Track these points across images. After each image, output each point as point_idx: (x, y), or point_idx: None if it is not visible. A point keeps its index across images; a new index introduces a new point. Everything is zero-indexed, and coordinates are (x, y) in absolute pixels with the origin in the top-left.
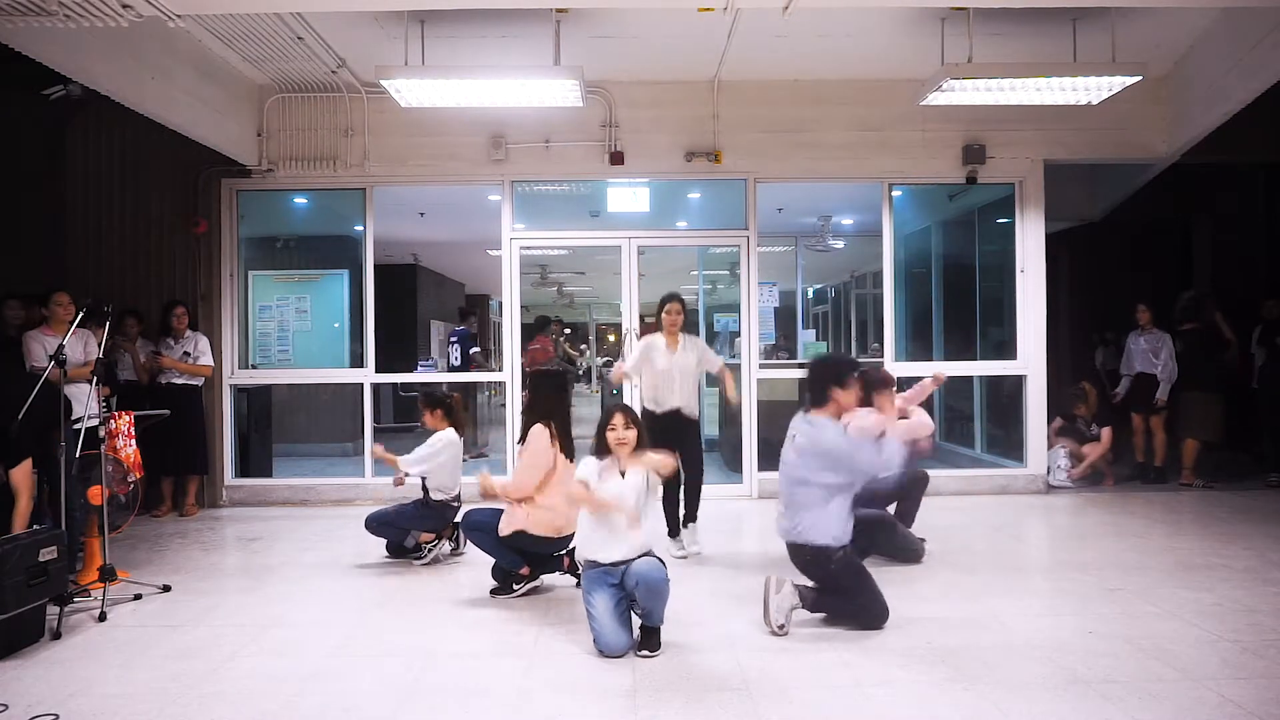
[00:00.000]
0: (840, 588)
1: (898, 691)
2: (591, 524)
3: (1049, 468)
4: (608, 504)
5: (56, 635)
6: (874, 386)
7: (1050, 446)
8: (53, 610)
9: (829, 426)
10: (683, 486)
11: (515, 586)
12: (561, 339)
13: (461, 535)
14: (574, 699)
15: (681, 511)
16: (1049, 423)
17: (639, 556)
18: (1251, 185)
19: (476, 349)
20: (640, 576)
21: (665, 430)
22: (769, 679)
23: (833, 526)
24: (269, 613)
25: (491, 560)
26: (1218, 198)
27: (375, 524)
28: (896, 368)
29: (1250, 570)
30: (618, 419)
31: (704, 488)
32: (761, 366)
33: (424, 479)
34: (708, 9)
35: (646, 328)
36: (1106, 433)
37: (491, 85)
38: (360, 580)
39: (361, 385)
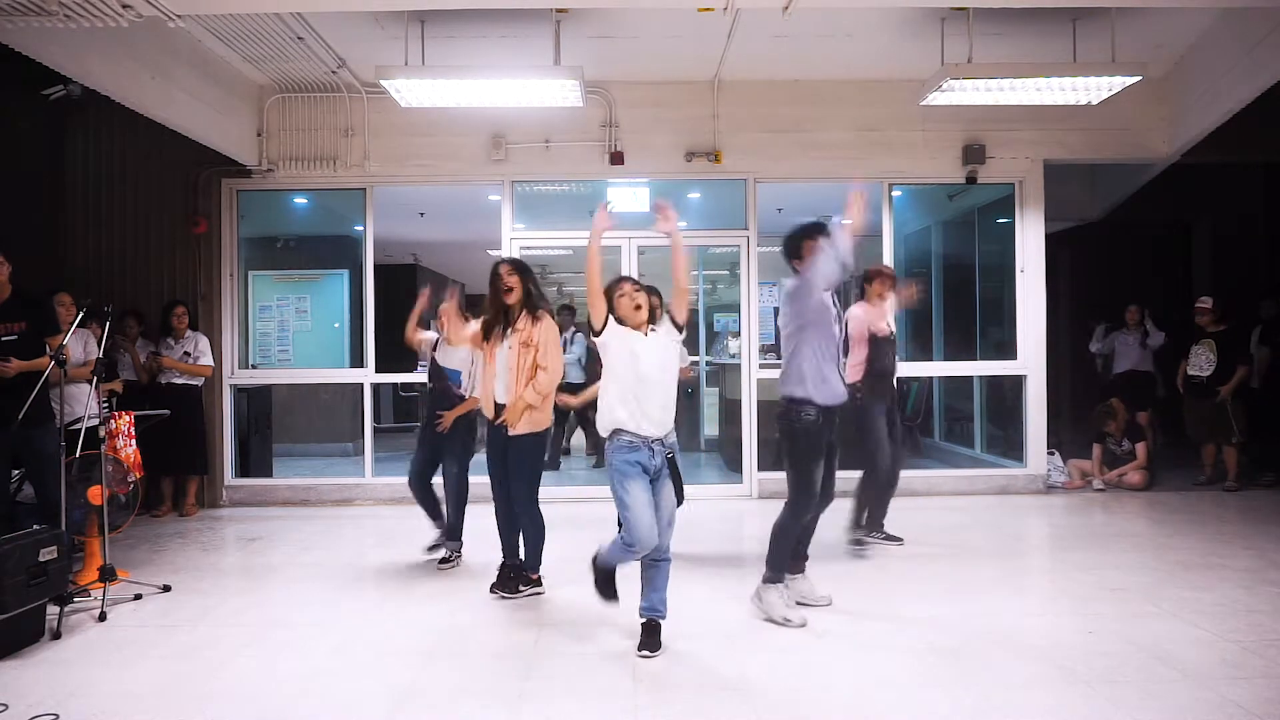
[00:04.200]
0: (787, 455)
1: (898, 691)
2: (618, 397)
3: (1048, 469)
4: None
5: (56, 635)
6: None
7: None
8: (53, 610)
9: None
10: None
11: (521, 589)
12: None
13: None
14: (574, 699)
15: None
16: (1049, 438)
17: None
18: (1251, 185)
19: None
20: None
21: None
22: (769, 679)
23: (797, 377)
24: (269, 613)
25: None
26: (1218, 198)
27: (417, 481)
28: (896, 368)
29: (1250, 570)
30: (626, 285)
31: (704, 487)
32: (761, 366)
33: (428, 388)
34: (708, 9)
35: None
36: (1141, 447)
37: (491, 85)
38: (360, 580)
39: (361, 385)
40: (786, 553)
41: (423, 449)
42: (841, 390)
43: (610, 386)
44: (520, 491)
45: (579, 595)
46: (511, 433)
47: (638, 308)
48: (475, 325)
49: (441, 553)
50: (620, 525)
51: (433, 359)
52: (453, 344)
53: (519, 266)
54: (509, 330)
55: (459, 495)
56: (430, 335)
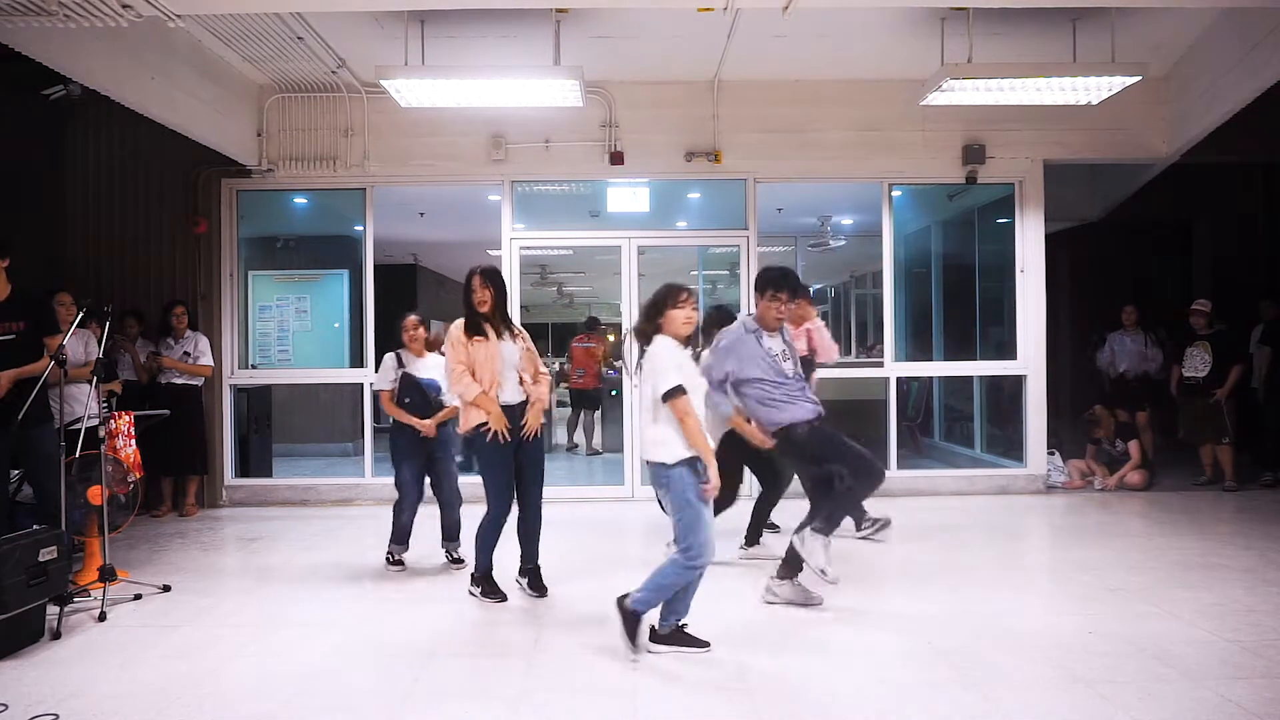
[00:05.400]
0: (819, 459)
1: (898, 691)
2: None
3: (1048, 469)
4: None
5: (56, 635)
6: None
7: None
8: (53, 610)
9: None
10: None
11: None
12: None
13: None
14: (574, 699)
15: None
16: (1049, 438)
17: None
18: (1251, 185)
19: None
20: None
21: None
22: (769, 679)
23: (773, 413)
24: (269, 613)
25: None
26: (1218, 198)
27: (414, 509)
28: (896, 368)
29: (1250, 570)
30: (689, 298)
31: None
32: None
33: (405, 403)
34: (708, 9)
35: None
36: (1134, 446)
37: (491, 85)
38: (360, 580)
39: (361, 385)
40: (838, 513)
41: (413, 465)
42: (793, 415)
43: (664, 414)
44: (539, 492)
45: (579, 594)
46: (529, 436)
47: (687, 321)
48: (453, 341)
49: (456, 554)
50: (681, 547)
51: (404, 374)
52: (423, 357)
53: (491, 278)
54: (504, 333)
55: (459, 495)
56: (391, 357)
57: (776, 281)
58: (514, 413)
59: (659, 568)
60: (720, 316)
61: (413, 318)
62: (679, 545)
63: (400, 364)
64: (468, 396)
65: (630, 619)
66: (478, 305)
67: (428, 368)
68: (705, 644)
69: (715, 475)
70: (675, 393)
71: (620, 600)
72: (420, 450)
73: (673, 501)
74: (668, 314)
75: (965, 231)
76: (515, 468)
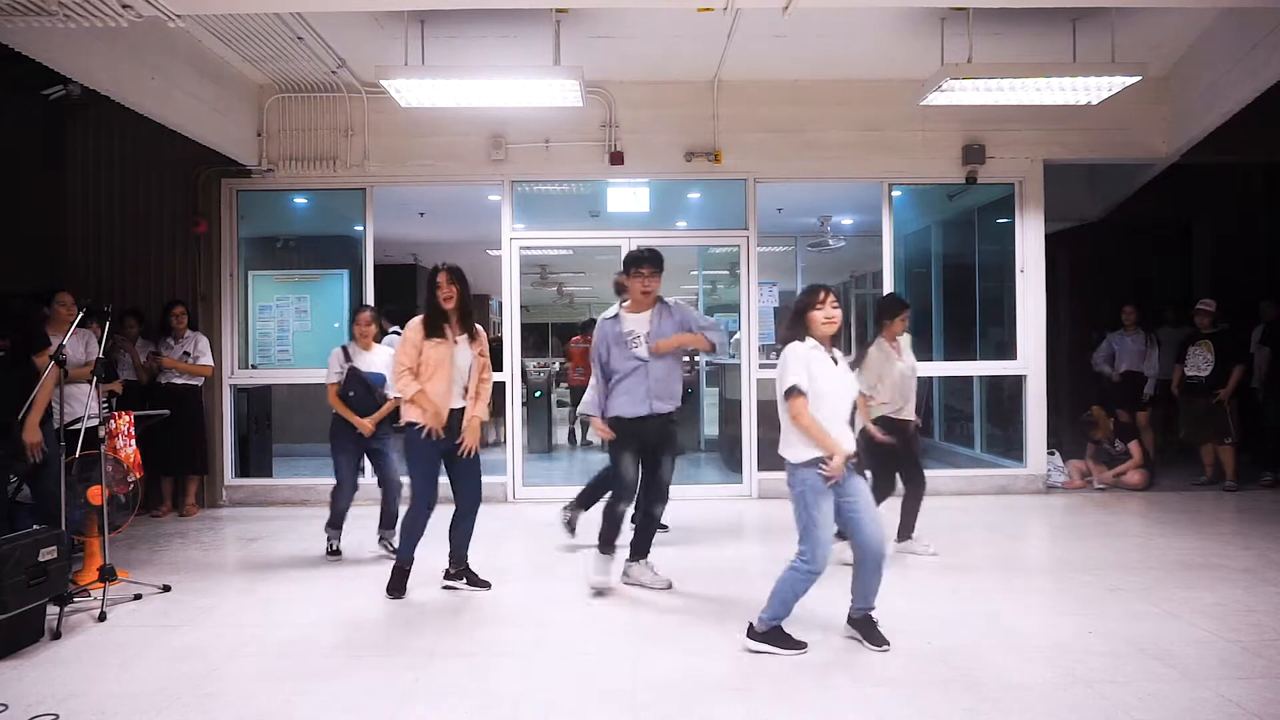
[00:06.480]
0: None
1: (898, 691)
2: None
3: (1048, 469)
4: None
5: (56, 635)
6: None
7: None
8: (53, 610)
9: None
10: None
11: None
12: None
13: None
14: (573, 699)
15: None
16: (1049, 438)
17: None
18: (1251, 185)
19: None
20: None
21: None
22: (769, 679)
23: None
24: (269, 613)
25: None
26: (1218, 198)
27: (350, 495)
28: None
29: (1250, 570)
30: (827, 297)
31: (704, 487)
32: (761, 366)
33: (348, 397)
34: (708, 9)
35: None
36: (1134, 447)
37: (491, 85)
38: (360, 580)
39: None
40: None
41: (349, 458)
42: (618, 408)
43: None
44: (474, 495)
45: (579, 595)
46: (466, 453)
47: (827, 321)
48: (408, 338)
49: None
50: (799, 552)
51: (351, 368)
52: (369, 351)
53: (457, 276)
54: (463, 336)
55: (399, 484)
56: (338, 351)
57: (638, 258)
58: (454, 417)
59: (779, 579)
60: (891, 305)
61: (367, 313)
62: (798, 549)
63: (347, 358)
64: (406, 394)
65: (770, 637)
66: (442, 301)
67: (373, 361)
68: (802, 645)
69: (838, 466)
70: (791, 392)
71: (750, 629)
72: (358, 442)
73: (792, 501)
74: (809, 316)
75: (965, 231)
76: (451, 472)
